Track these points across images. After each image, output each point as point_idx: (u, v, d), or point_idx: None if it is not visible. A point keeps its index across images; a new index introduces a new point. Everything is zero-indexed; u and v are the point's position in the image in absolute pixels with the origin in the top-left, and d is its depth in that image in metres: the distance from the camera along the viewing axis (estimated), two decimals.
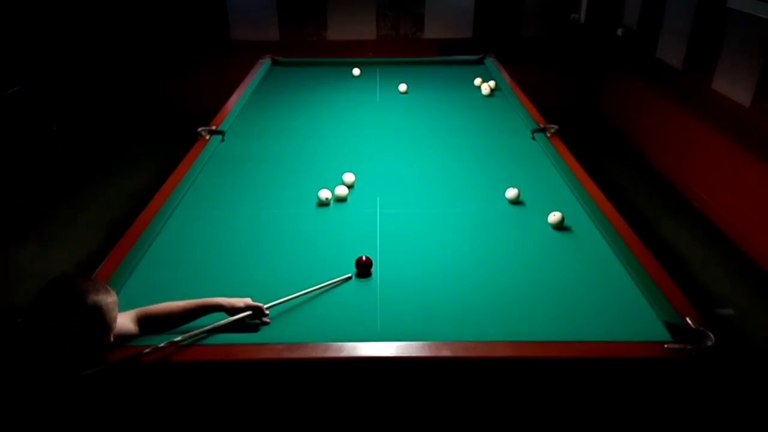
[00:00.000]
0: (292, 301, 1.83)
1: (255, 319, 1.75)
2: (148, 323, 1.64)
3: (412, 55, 5.02)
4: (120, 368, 1.48)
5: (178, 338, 1.57)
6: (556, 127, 3.17)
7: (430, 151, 3.07)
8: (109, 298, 1.45)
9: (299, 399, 1.65)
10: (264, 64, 4.41)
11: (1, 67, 4.54)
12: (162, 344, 1.54)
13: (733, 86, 3.91)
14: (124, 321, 1.59)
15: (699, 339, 1.61)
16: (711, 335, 1.60)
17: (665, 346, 1.60)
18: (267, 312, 1.76)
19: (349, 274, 1.97)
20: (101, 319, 1.43)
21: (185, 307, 1.68)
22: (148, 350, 1.52)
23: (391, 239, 2.21)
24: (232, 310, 1.71)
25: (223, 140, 3.13)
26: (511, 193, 2.49)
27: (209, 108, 3.56)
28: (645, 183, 4.51)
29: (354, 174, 2.64)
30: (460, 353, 1.58)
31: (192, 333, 1.61)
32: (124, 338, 1.58)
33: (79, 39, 5.43)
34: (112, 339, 1.49)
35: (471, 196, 2.59)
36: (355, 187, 2.62)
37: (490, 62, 4.50)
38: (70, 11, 5.32)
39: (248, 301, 1.74)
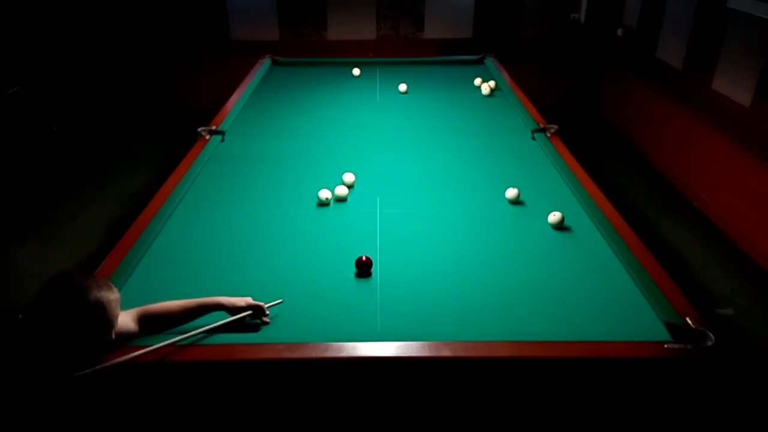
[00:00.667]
0: (292, 301, 1.82)
1: (255, 318, 1.75)
2: (149, 322, 1.64)
3: (412, 55, 5.02)
4: (119, 368, 1.48)
5: (178, 338, 1.57)
6: (556, 127, 3.17)
7: (430, 151, 3.07)
8: (111, 296, 1.45)
9: (299, 399, 1.65)
10: (264, 64, 4.41)
11: (1, 67, 4.54)
12: (162, 344, 1.54)
13: (733, 86, 3.91)
14: (125, 320, 1.59)
15: (699, 339, 1.61)
16: (711, 335, 1.60)
17: (665, 346, 1.60)
18: (267, 312, 1.76)
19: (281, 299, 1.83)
20: (103, 317, 1.42)
21: (186, 307, 1.68)
22: (148, 350, 1.52)
23: (391, 239, 2.21)
24: (233, 309, 1.71)
25: (223, 140, 3.13)
26: (511, 193, 2.49)
27: (209, 108, 3.56)
28: (645, 183, 4.51)
29: (354, 174, 2.64)
30: (460, 353, 1.58)
31: (192, 333, 1.61)
32: (125, 337, 1.58)
33: (79, 39, 5.43)
34: (113, 337, 1.49)
35: (471, 196, 2.59)
36: (355, 187, 2.62)
37: (490, 62, 4.50)
38: (70, 11, 5.32)
39: (249, 300, 1.74)
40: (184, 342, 1.58)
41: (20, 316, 1.42)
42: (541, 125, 3.23)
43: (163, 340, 1.56)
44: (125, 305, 1.60)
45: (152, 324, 1.64)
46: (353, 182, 2.62)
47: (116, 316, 1.47)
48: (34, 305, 1.41)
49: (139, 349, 1.52)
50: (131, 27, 5.63)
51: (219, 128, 3.20)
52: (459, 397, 1.65)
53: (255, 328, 1.73)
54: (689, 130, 4.27)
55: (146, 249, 2.12)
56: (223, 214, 2.43)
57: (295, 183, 2.68)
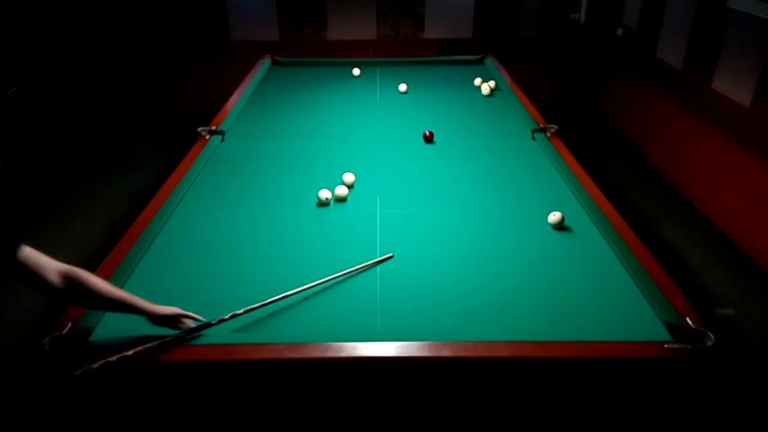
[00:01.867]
0: (291, 301, 1.83)
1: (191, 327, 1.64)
2: (74, 286, 1.48)
3: (412, 55, 5.02)
4: (114, 367, 1.47)
5: (138, 348, 1.50)
6: (556, 127, 3.17)
7: (430, 150, 3.07)
8: None
9: (299, 399, 1.65)
10: (264, 64, 4.41)
11: (1, 67, 4.54)
12: (151, 344, 1.53)
13: (733, 86, 3.91)
14: (46, 264, 1.47)
15: (699, 339, 1.61)
16: (711, 335, 1.60)
17: (665, 346, 1.60)
18: (201, 318, 1.65)
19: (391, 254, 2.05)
20: None
21: (113, 295, 1.55)
22: (148, 351, 1.52)
23: (391, 239, 2.21)
24: (154, 318, 1.60)
25: (223, 140, 3.13)
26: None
27: (209, 108, 3.56)
28: (645, 183, 4.51)
29: (354, 174, 2.64)
30: (460, 353, 1.58)
31: (152, 344, 1.55)
32: (38, 285, 1.45)
33: (79, 39, 5.43)
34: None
35: (471, 195, 2.59)
36: (355, 187, 2.62)
37: (490, 62, 4.50)
38: (70, 11, 5.32)
39: (176, 309, 1.62)
40: (141, 351, 1.51)
41: None
42: (541, 125, 3.23)
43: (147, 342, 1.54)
44: None
45: (76, 291, 1.48)
46: (353, 182, 2.62)
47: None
48: None
49: (139, 350, 1.52)
50: (131, 27, 5.63)
51: (219, 128, 3.20)
52: (459, 397, 1.65)
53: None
54: (689, 130, 4.27)
55: (146, 249, 2.12)
56: (223, 214, 2.43)
57: (295, 183, 2.68)
